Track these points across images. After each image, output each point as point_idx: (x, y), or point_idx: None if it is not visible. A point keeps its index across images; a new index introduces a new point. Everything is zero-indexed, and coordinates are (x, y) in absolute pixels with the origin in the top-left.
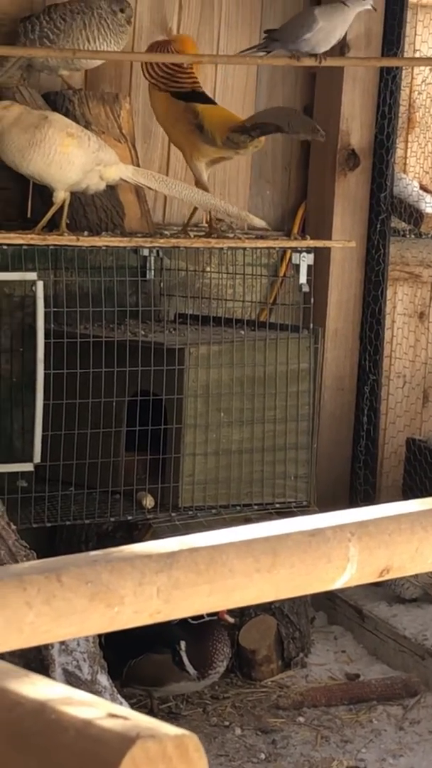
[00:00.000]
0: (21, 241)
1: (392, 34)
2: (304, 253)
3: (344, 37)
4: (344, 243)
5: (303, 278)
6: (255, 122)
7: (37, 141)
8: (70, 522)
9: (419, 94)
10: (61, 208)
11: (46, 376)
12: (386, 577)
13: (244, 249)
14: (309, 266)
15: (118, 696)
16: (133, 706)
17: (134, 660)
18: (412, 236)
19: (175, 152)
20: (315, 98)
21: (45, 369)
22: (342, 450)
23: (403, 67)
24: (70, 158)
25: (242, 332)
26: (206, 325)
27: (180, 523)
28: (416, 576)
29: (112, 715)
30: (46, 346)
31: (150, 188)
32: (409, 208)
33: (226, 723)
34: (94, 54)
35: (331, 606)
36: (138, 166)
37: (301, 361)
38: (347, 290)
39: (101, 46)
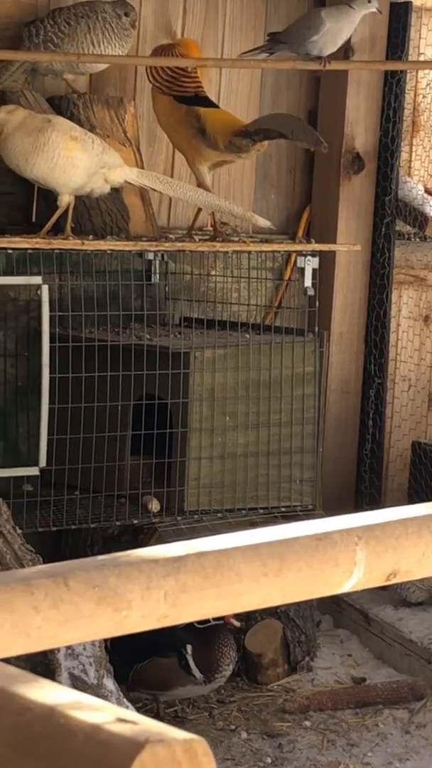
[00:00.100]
0: (26, 245)
1: (397, 37)
2: (309, 257)
3: (349, 41)
4: (349, 246)
5: (308, 282)
6: (258, 127)
7: (41, 145)
8: (76, 526)
9: (424, 97)
10: (66, 211)
11: (52, 380)
12: (393, 581)
13: (249, 252)
14: (314, 270)
15: (124, 700)
16: (139, 710)
17: (140, 664)
18: (417, 239)
19: (179, 156)
20: (320, 102)
21: (50, 373)
22: (347, 453)
23: (408, 71)
24: (74, 162)
25: (247, 336)
26: (211, 328)
27: (185, 526)
28: (422, 579)
29: (121, 720)
30: (52, 350)
31: (155, 190)
32: (414, 212)
33: (233, 727)
34: (98, 58)
35: (337, 609)
36: (143, 169)
37: (306, 365)
38: (352, 294)
39: (106, 50)
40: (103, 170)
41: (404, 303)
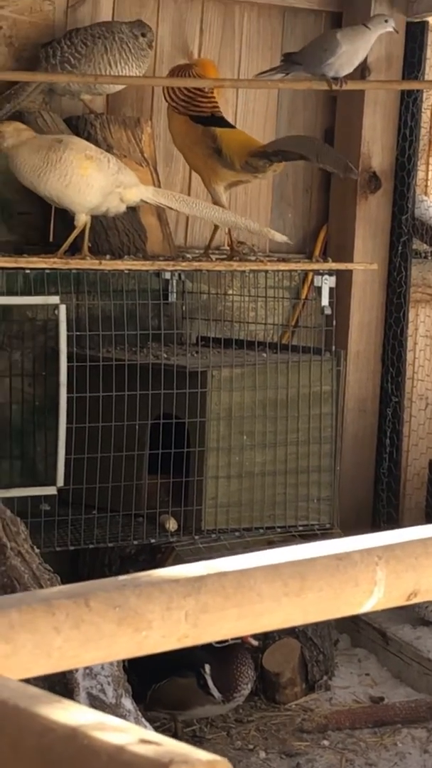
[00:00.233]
0: (44, 265)
1: (413, 56)
2: (326, 276)
3: (365, 60)
4: (366, 265)
5: (325, 300)
6: (277, 148)
7: (53, 162)
8: (93, 545)
9: None
10: (83, 231)
11: (69, 400)
12: (414, 600)
13: (266, 272)
14: (331, 289)
15: (143, 719)
16: (157, 729)
17: (158, 683)
18: None
19: (196, 175)
20: (336, 121)
21: (68, 392)
22: (365, 472)
23: (424, 90)
24: (88, 181)
25: (264, 355)
26: (228, 347)
27: (203, 546)
28: None
29: (144, 741)
30: (69, 369)
31: (171, 208)
32: (431, 230)
33: (251, 746)
34: (115, 79)
35: (355, 629)
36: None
37: (324, 384)
38: (369, 312)
39: (123, 71)
40: (119, 189)
41: (421, 321)
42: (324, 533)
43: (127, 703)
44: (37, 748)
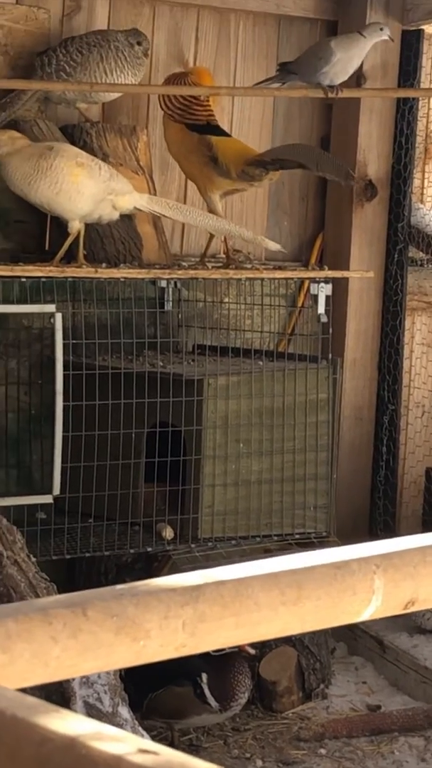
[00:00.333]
0: (40, 274)
1: (408, 64)
2: (323, 284)
3: (361, 68)
4: (362, 273)
5: (321, 308)
6: (275, 157)
7: (43, 169)
8: (90, 554)
9: None
10: (78, 239)
11: (65, 408)
12: (412, 609)
13: (262, 280)
14: (327, 296)
15: (140, 728)
16: (153, 738)
17: (155, 692)
18: (430, 266)
19: (192, 184)
20: (332, 129)
21: (64, 401)
22: (361, 480)
23: (420, 98)
24: (79, 188)
25: (261, 363)
26: (224, 355)
27: (199, 554)
28: None
29: (143, 751)
30: (65, 378)
31: (165, 216)
32: (427, 238)
33: (248, 755)
34: (111, 87)
35: (352, 637)
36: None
37: (320, 392)
38: (365, 320)
39: (118, 79)
40: (111, 197)
41: (417, 329)
42: (321, 541)
43: (124, 711)
44: (35, 757)
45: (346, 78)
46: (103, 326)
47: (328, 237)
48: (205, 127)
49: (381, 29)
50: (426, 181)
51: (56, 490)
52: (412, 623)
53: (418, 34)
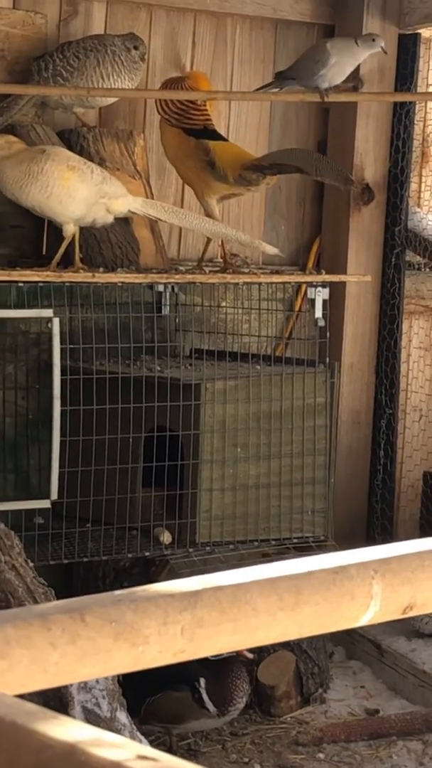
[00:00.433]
0: (37, 279)
1: (405, 68)
2: (320, 288)
3: (357, 72)
4: (359, 277)
5: (319, 313)
6: (273, 162)
7: (34, 173)
8: (88, 558)
9: None
10: (74, 243)
11: (63, 413)
12: (410, 614)
13: (260, 284)
14: (324, 301)
15: (138, 733)
16: (151, 743)
17: (153, 697)
18: (427, 270)
19: (189, 188)
20: (329, 133)
21: (61, 405)
22: (359, 484)
23: (417, 102)
24: (70, 191)
25: (258, 367)
26: (222, 360)
27: (197, 558)
28: None
29: (142, 757)
30: (63, 382)
31: (160, 219)
32: (424, 242)
33: (246, 759)
34: (108, 92)
35: (350, 641)
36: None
37: (318, 396)
38: (363, 324)
39: (115, 84)
40: (104, 200)
41: (415, 333)
42: (318, 545)
43: (122, 716)
44: (34, 764)
45: (342, 80)
46: (100, 331)
47: (326, 241)
48: (202, 131)
49: (373, 40)
50: (423, 184)
51: (54, 495)
52: (410, 627)
53: (415, 38)
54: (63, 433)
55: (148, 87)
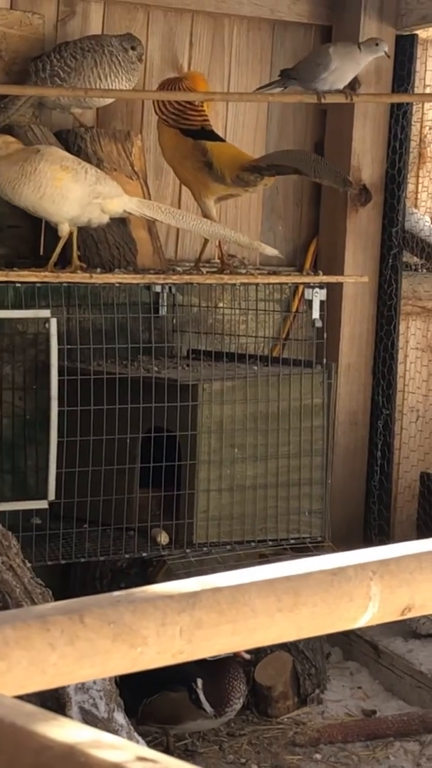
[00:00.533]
0: (34, 279)
1: (402, 69)
2: (317, 289)
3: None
4: (357, 278)
5: (316, 313)
6: (270, 163)
7: (27, 173)
8: (85, 559)
9: (430, 129)
10: (71, 242)
11: (60, 413)
12: (408, 615)
13: (257, 285)
14: (322, 301)
15: (135, 734)
16: (148, 744)
17: (150, 698)
18: (425, 271)
19: (186, 189)
20: (326, 134)
21: (59, 406)
22: (356, 485)
23: (414, 103)
24: (63, 192)
25: (255, 368)
26: (219, 360)
27: (194, 559)
28: None
29: (141, 759)
30: (60, 383)
31: (156, 220)
32: (421, 243)
33: (243, 760)
34: (105, 92)
35: (347, 642)
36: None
37: (315, 397)
38: (360, 325)
39: (112, 84)
40: (98, 200)
41: (412, 334)
42: (315, 546)
43: (120, 717)
44: (34, 765)
45: (344, 85)
46: (97, 331)
47: (323, 242)
48: (200, 132)
49: (377, 44)
50: (420, 185)
51: (51, 496)
52: (407, 628)
53: (412, 39)
54: (60, 434)
55: (145, 88)
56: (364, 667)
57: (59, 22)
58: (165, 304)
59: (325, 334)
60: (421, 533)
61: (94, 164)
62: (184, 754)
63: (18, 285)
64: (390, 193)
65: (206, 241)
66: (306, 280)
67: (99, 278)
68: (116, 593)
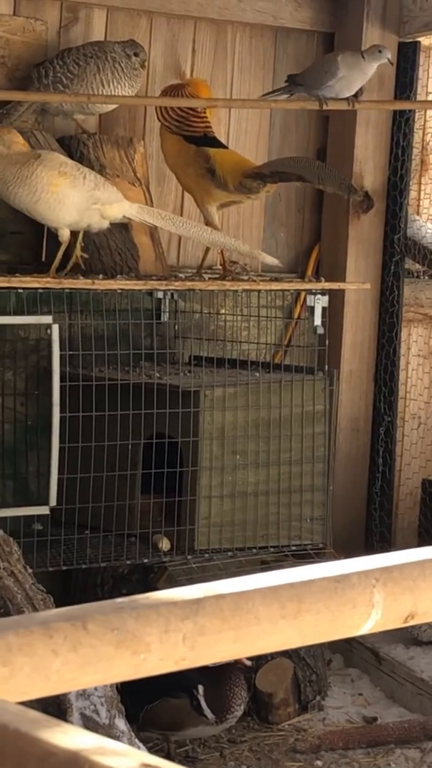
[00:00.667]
0: (36, 285)
1: (405, 76)
2: (319, 295)
3: None
4: (359, 285)
5: (318, 320)
6: (274, 170)
7: (23, 177)
8: (86, 565)
9: None
10: (74, 243)
11: (62, 419)
12: (411, 623)
13: (259, 291)
14: (324, 308)
15: (136, 740)
16: (149, 750)
17: (151, 704)
18: (426, 278)
19: (189, 195)
20: (328, 141)
21: (60, 412)
22: (357, 492)
23: (416, 110)
24: (59, 197)
25: (257, 374)
26: (221, 367)
27: (196, 565)
28: None
29: (145, 765)
30: (62, 389)
31: (156, 226)
32: (423, 250)
33: (244, 767)
34: (108, 98)
35: (348, 649)
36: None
37: (316, 403)
38: (362, 332)
39: (115, 90)
40: (97, 206)
41: (413, 341)
42: (317, 553)
43: (121, 723)
44: None
45: (350, 94)
46: (99, 337)
47: (325, 248)
48: (203, 138)
49: (379, 52)
50: (422, 192)
51: (53, 501)
52: (408, 635)
53: (415, 46)
54: (62, 440)
55: (148, 94)
56: (365, 674)
57: (62, 29)
58: (167, 310)
59: (326, 341)
60: (423, 540)
61: (97, 170)
62: (185, 761)
63: (20, 291)
64: (392, 200)
65: (208, 247)
66: (308, 286)
67: (101, 284)
68: (119, 600)
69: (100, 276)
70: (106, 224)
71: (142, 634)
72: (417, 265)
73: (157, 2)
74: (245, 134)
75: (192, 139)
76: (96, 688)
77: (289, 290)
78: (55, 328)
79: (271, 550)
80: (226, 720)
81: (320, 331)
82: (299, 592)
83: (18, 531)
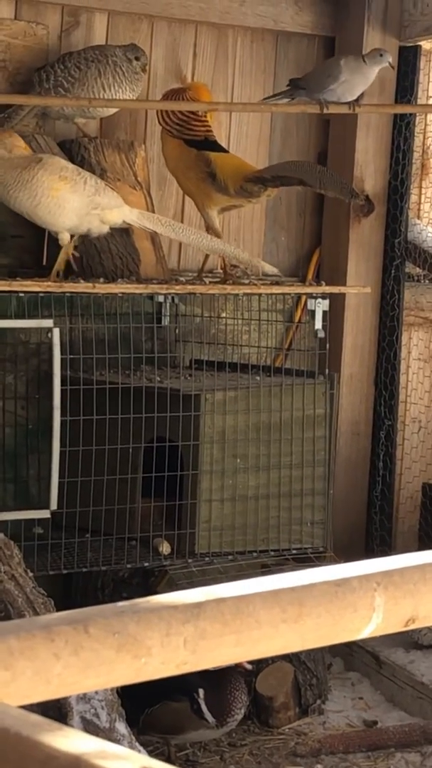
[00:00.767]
0: (37, 289)
1: (406, 80)
2: (320, 299)
3: None
4: (359, 289)
5: (318, 324)
6: (275, 174)
7: (24, 180)
8: (87, 569)
9: None
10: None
11: (63, 423)
12: (412, 626)
13: (260, 295)
14: (324, 312)
15: (136, 744)
16: (150, 753)
17: (152, 708)
18: (427, 281)
19: (190, 200)
20: (329, 145)
21: (61, 416)
22: (358, 495)
23: (417, 114)
24: (59, 202)
25: (258, 378)
26: (222, 371)
27: (197, 569)
28: None
29: None
30: (63, 392)
31: (156, 232)
32: (424, 254)
33: None
34: (109, 102)
35: (348, 652)
36: (153, 213)
37: (317, 407)
38: (362, 335)
39: (116, 94)
40: (97, 211)
41: (414, 345)
42: (317, 556)
43: (121, 727)
44: None
45: (352, 98)
46: (100, 341)
47: (325, 252)
48: (203, 142)
49: (381, 55)
50: (423, 196)
51: (53, 505)
52: (408, 639)
53: (416, 50)
54: (63, 443)
55: (149, 98)
56: (365, 677)
57: (63, 33)
58: (168, 314)
59: (327, 345)
60: (423, 544)
61: (98, 174)
62: (186, 765)
63: (21, 294)
64: (393, 204)
65: None
66: (309, 290)
67: (102, 288)
68: (120, 604)
69: (101, 280)
70: (106, 229)
71: (143, 637)
72: (417, 268)
73: (158, 6)
74: (246, 138)
75: (193, 143)
76: (96, 692)
77: (289, 294)
78: (56, 331)
79: (272, 553)
80: (226, 723)
81: (321, 334)
82: (300, 596)
83: (19, 534)
